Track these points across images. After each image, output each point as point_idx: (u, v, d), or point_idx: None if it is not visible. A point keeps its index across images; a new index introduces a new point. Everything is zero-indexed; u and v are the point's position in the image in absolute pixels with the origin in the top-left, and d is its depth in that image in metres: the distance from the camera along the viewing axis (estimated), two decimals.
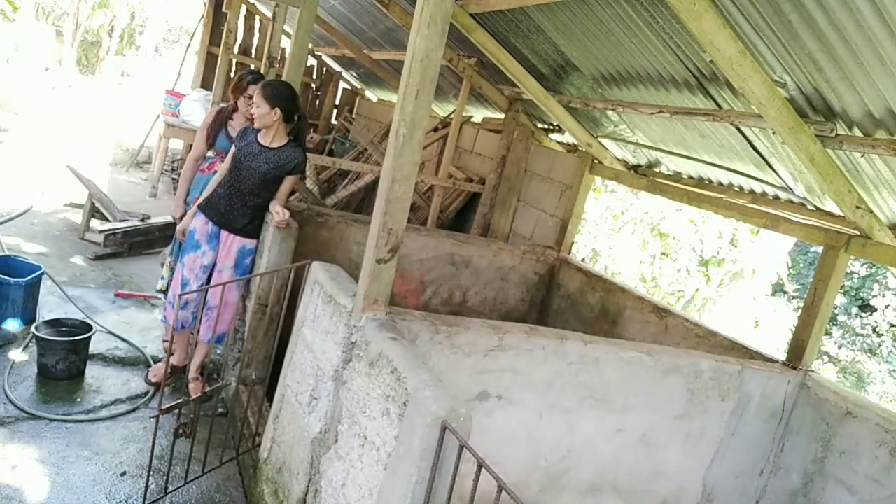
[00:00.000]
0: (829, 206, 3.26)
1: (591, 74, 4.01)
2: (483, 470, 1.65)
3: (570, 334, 2.78)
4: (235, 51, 8.67)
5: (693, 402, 2.99)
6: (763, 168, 3.49)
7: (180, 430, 3.06)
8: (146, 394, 3.59)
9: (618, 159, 4.67)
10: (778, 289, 12.23)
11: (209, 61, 8.97)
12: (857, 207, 2.99)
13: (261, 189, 3.54)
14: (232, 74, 8.61)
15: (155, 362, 3.88)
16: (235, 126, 4.00)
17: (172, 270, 4.03)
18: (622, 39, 3.37)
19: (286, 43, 7.90)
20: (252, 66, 8.76)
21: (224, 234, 3.56)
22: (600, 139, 4.61)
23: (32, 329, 3.58)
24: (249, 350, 3.61)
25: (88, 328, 3.70)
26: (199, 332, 3.56)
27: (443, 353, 2.50)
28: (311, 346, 2.66)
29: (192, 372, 3.69)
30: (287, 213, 3.44)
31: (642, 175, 4.46)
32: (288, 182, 3.61)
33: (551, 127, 5.43)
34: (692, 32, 2.63)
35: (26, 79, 16.10)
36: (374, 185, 6.82)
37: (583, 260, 6.99)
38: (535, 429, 2.72)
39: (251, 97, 3.89)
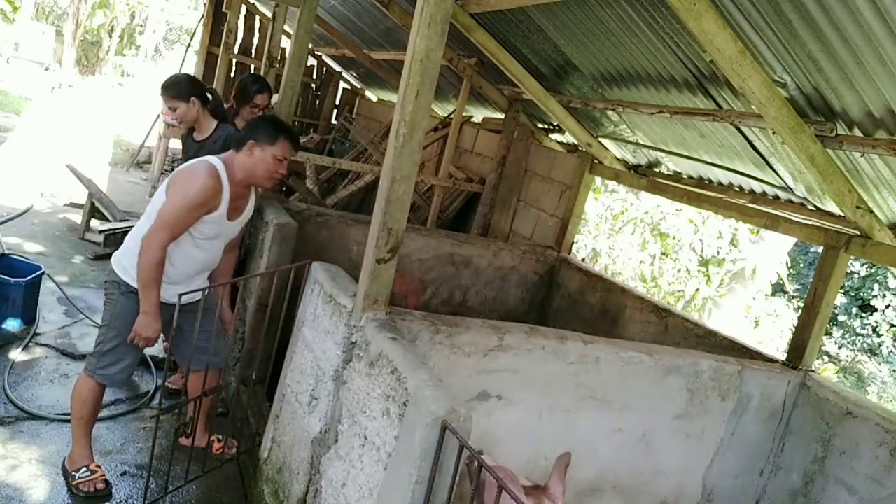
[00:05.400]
0: (830, 206, 3.26)
1: (591, 74, 4.01)
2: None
3: (570, 334, 2.78)
4: (235, 51, 8.67)
5: (693, 402, 2.99)
6: (763, 168, 3.49)
7: (180, 430, 3.06)
8: (146, 394, 3.59)
9: (618, 159, 4.67)
10: (778, 289, 12.23)
11: (209, 61, 8.96)
12: (857, 207, 2.99)
13: None
14: (232, 74, 8.61)
15: (154, 362, 3.88)
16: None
17: None
18: (622, 39, 3.37)
19: (286, 43, 7.89)
20: (252, 68, 8.77)
21: None
22: (600, 139, 4.61)
23: None
24: (249, 350, 3.61)
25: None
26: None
27: (443, 353, 2.50)
28: (311, 346, 2.66)
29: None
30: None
31: (642, 175, 4.46)
32: None
33: (551, 127, 5.43)
34: (692, 32, 2.63)
35: (26, 79, 16.11)
36: (374, 185, 6.82)
37: (583, 260, 6.99)
38: (535, 429, 2.72)
39: (256, 106, 3.89)
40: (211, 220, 2.65)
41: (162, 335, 2.78)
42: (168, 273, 2.67)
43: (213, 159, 2.66)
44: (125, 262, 2.70)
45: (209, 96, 3.53)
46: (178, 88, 3.43)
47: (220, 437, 3.17)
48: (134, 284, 2.64)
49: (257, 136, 2.67)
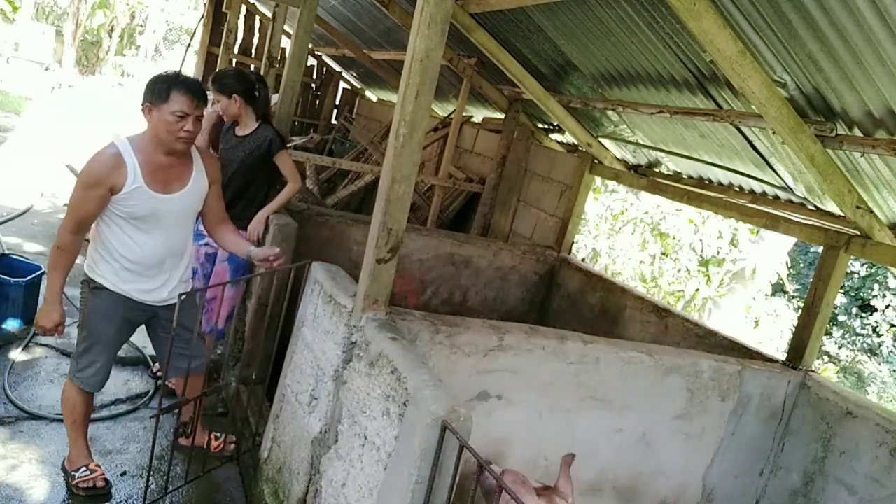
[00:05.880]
0: (830, 206, 3.26)
1: (591, 74, 4.01)
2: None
3: (570, 334, 2.78)
4: (235, 51, 8.66)
5: (693, 402, 2.99)
6: (763, 168, 3.49)
7: (180, 430, 3.06)
8: (146, 394, 3.59)
9: (618, 159, 4.66)
10: (778, 289, 12.23)
11: (209, 61, 8.96)
12: (857, 207, 2.99)
13: (245, 177, 3.60)
14: None
15: (154, 361, 3.88)
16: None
17: None
18: (622, 39, 3.36)
19: (286, 43, 7.89)
20: (252, 68, 8.77)
21: None
22: (600, 139, 4.61)
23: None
24: (249, 350, 3.61)
25: None
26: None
27: (443, 353, 2.50)
28: (311, 346, 2.66)
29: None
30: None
31: (642, 175, 4.46)
32: (282, 163, 3.63)
33: (551, 127, 5.43)
34: (692, 32, 2.63)
35: (26, 79, 16.11)
36: (374, 185, 6.82)
37: (583, 260, 6.99)
38: (535, 429, 2.72)
39: None
40: (131, 198, 2.47)
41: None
42: (128, 266, 2.57)
43: (120, 138, 2.54)
44: (91, 260, 2.63)
45: (257, 94, 3.61)
46: (222, 83, 3.52)
47: (217, 434, 3.17)
48: (98, 280, 2.58)
49: (150, 98, 2.46)
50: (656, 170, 4.41)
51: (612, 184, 7.86)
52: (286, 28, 6.25)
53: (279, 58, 7.17)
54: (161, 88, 2.44)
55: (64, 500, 2.69)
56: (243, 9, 8.64)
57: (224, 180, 3.62)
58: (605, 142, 4.62)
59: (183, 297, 2.43)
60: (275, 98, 4.55)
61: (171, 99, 2.43)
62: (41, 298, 4.20)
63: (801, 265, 14.65)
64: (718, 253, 8.58)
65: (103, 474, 2.77)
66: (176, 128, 2.45)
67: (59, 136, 10.58)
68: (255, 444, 3.05)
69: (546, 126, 5.48)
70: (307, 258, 2.98)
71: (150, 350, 4.01)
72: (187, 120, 2.46)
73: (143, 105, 2.49)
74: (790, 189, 3.44)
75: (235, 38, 8.55)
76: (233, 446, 3.15)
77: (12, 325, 3.90)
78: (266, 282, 3.56)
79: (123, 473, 2.92)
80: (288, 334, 2.93)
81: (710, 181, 4.01)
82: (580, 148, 4.87)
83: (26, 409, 3.20)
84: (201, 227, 3.60)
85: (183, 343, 2.71)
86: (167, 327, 2.70)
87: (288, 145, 3.99)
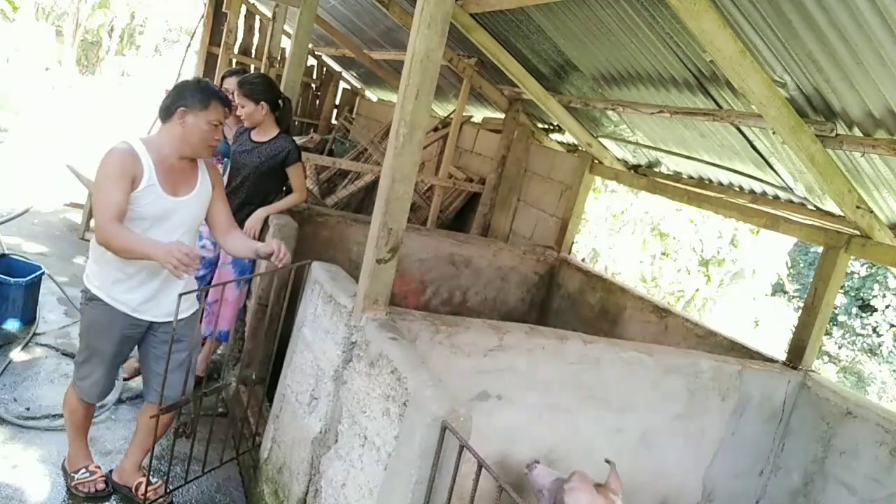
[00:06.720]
0: (830, 206, 3.26)
1: (591, 74, 4.01)
2: (483, 470, 1.65)
3: (570, 334, 2.78)
4: (235, 51, 8.66)
5: (693, 402, 2.99)
6: (763, 168, 3.49)
7: (180, 430, 3.06)
8: None
9: (618, 159, 4.66)
10: (778, 289, 12.23)
11: (209, 61, 8.95)
12: (857, 207, 2.99)
13: (256, 184, 3.60)
14: None
15: None
16: (230, 125, 4.00)
17: None
18: (622, 39, 3.36)
19: (286, 43, 7.89)
20: (252, 68, 8.76)
21: None
22: (600, 139, 4.61)
23: None
24: (249, 350, 3.61)
25: None
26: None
27: (443, 353, 2.50)
28: (312, 346, 2.66)
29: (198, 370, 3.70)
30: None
31: (642, 175, 4.46)
32: (293, 174, 3.64)
33: (551, 127, 5.43)
34: (692, 32, 2.63)
35: (26, 79, 16.11)
36: (374, 185, 6.82)
37: (583, 260, 6.99)
38: (535, 429, 2.72)
39: (226, 90, 3.88)
40: (144, 197, 2.39)
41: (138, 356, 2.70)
42: (128, 272, 2.47)
43: (128, 138, 2.47)
44: (88, 269, 2.55)
45: (281, 102, 3.63)
46: (251, 88, 3.52)
47: (152, 479, 2.76)
48: (94, 290, 2.49)
49: (187, 103, 2.44)
50: (656, 170, 4.41)
51: (612, 184, 7.86)
52: (286, 28, 6.25)
53: (279, 58, 7.17)
54: (202, 97, 2.46)
55: (64, 501, 2.69)
56: (243, 9, 8.63)
57: (235, 182, 3.63)
58: (605, 142, 4.62)
59: (183, 295, 2.42)
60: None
61: (210, 107, 2.47)
62: (41, 298, 4.22)
63: (801, 265, 14.65)
64: (718, 253, 8.57)
65: (103, 476, 2.77)
66: (210, 136, 2.50)
67: (59, 137, 10.58)
68: (255, 444, 3.05)
69: (546, 126, 5.48)
70: (307, 258, 2.98)
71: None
72: (219, 129, 2.54)
73: (174, 107, 2.45)
74: (790, 189, 3.44)
75: (235, 38, 8.54)
76: (160, 499, 2.75)
77: (12, 325, 3.90)
78: (266, 282, 3.56)
79: None
80: (288, 334, 2.93)
81: (710, 181, 4.00)
82: (580, 148, 4.87)
83: (15, 421, 3.06)
84: (202, 227, 3.60)
85: (163, 362, 2.52)
86: (158, 346, 2.61)
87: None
